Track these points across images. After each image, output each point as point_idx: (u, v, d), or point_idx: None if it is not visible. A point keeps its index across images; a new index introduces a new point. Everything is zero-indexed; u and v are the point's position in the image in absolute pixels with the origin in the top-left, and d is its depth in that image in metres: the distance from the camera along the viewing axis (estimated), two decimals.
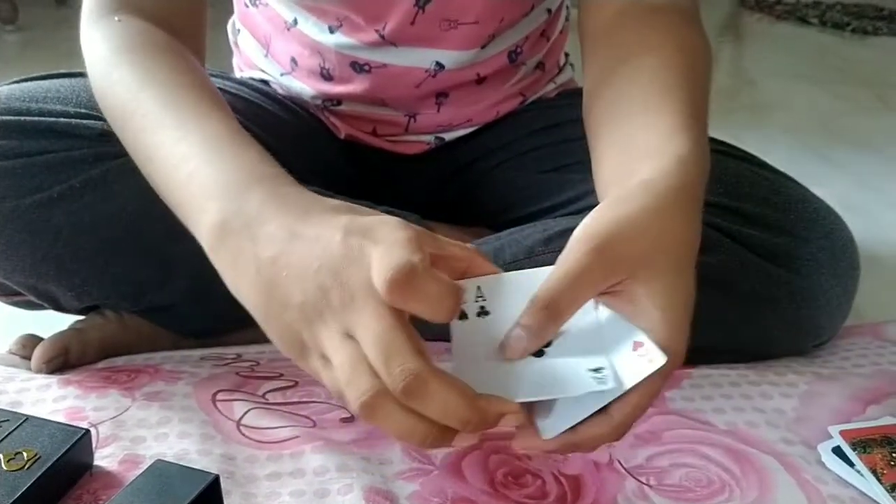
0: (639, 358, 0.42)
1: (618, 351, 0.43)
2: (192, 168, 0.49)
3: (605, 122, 0.55)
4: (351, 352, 0.40)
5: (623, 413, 0.43)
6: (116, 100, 0.56)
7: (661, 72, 0.55)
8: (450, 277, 0.44)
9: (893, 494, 0.54)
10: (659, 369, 0.41)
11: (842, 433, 0.59)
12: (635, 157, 0.49)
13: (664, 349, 0.42)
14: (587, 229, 0.44)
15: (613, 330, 0.44)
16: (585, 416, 0.43)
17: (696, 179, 0.48)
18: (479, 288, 0.45)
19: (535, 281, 0.44)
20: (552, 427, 0.44)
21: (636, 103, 0.54)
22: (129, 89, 0.55)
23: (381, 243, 0.40)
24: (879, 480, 0.55)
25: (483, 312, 0.44)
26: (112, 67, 0.57)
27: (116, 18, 0.60)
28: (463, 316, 0.44)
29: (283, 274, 0.42)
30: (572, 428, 0.43)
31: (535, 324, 0.42)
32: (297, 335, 0.42)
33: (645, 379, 0.41)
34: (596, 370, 0.42)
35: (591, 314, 0.44)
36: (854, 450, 0.57)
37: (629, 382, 0.42)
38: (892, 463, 0.56)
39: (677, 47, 0.57)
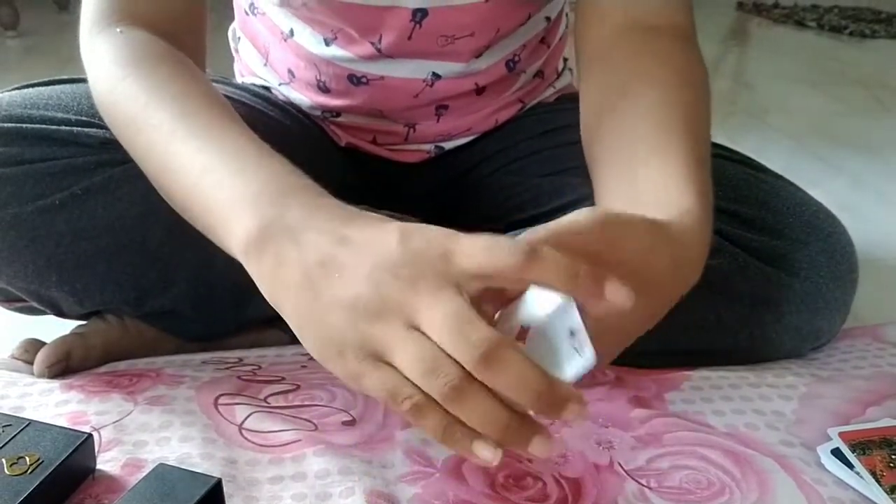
0: (574, 351, 0.42)
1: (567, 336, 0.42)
2: (218, 179, 0.49)
3: (607, 162, 0.56)
4: (422, 343, 0.40)
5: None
6: (124, 113, 0.56)
7: (665, 110, 0.55)
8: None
9: (893, 496, 0.54)
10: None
11: (841, 435, 0.59)
12: (639, 207, 0.50)
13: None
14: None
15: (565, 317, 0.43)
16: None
17: (699, 227, 0.50)
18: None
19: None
20: None
21: (641, 145, 0.54)
22: (137, 102, 0.55)
23: (462, 240, 0.41)
24: (879, 482, 0.55)
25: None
26: (117, 81, 0.57)
27: (118, 30, 0.60)
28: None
29: (334, 276, 0.42)
30: None
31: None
32: (339, 337, 0.42)
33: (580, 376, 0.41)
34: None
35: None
36: (853, 452, 0.58)
37: (569, 377, 0.41)
38: (892, 464, 0.56)
39: (680, 81, 0.58)
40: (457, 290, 0.41)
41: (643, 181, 0.52)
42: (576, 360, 0.42)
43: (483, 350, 0.39)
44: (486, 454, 0.41)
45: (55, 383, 0.67)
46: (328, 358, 0.44)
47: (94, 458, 0.56)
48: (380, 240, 0.43)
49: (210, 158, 0.50)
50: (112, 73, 0.58)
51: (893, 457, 0.57)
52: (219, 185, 0.49)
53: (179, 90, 0.55)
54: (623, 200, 0.52)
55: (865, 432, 0.60)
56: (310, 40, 0.77)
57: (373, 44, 0.74)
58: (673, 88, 0.57)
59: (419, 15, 0.72)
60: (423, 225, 0.44)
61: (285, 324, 0.46)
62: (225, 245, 0.49)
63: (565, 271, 0.41)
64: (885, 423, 0.61)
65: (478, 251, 0.41)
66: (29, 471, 0.52)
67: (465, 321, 0.39)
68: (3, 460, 0.53)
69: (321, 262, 0.43)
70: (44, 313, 0.73)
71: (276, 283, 0.45)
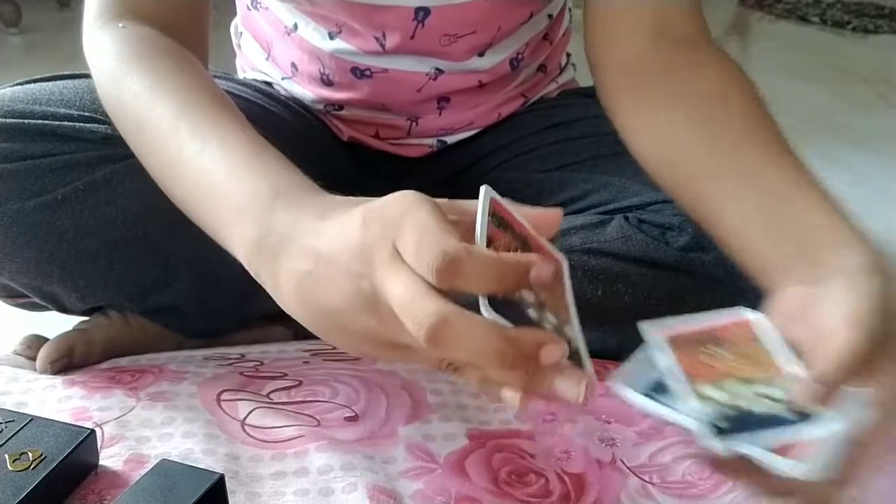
0: None
1: None
2: (215, 181, 0.49)
3: (732, 188, 0.58)
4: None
5: None
6: (128, 110, 0.56)
7: (766, 133, 0.61)
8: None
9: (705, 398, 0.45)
10: None
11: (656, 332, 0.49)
12: (800, 228, 0.55)
13: None
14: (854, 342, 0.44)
15: None
16: None
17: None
18: None
19: None
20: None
21: (766, 170, 0.58)
22: (139, 99, 0.55)
23: (405, 226, 0.39)
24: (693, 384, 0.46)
25: None
26: (120, 76, 0.57)
27: (121, 25, 0.60)
28: None
29: (321, 284, 0.42)
30: None
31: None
32: (351, 341, 0.43)
33: None
34: None
35: None
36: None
37: None
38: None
39: (753, 97, 0.63)
40: (403, 266, 0.39)
41: (782, 197, 0.57)
42: None
43: (427, 327, 0.36)
44: (508, 397, 0.40)
45: (58, 379, 0.67)
46: (360, 355, 0.45)
47: (96, 454, 0.56)
48: (346, 230, 0.42)
49: (208, 158, 0.50)
50: (115, 69, 0.58)
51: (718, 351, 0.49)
52: (216, 188, 0.49)
53: (180, 86, 0.55)
54: (767, 215, 0.56)
55: (687, 330, 0.51)
56: (314, 34, 0.77)
57: (377, 39, 0.74)
58: (757, 108, 0.62)
59: (421, 14, 0.72)
60: (385, 202, 0.42)
61: (288, 319, 0.46)
62: (228, 250, 0.49)
63: (489, 272, 0.38)
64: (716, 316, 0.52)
65: (410, 249, 0.39)
66: (32, 466, 0.52)
67: (412, 297, 0.37)
68: (6, 456, 0.53)
69: (308, 272, 0.43)
70: (46, 309, 0.73)
71: (277, 292, 0.45)
